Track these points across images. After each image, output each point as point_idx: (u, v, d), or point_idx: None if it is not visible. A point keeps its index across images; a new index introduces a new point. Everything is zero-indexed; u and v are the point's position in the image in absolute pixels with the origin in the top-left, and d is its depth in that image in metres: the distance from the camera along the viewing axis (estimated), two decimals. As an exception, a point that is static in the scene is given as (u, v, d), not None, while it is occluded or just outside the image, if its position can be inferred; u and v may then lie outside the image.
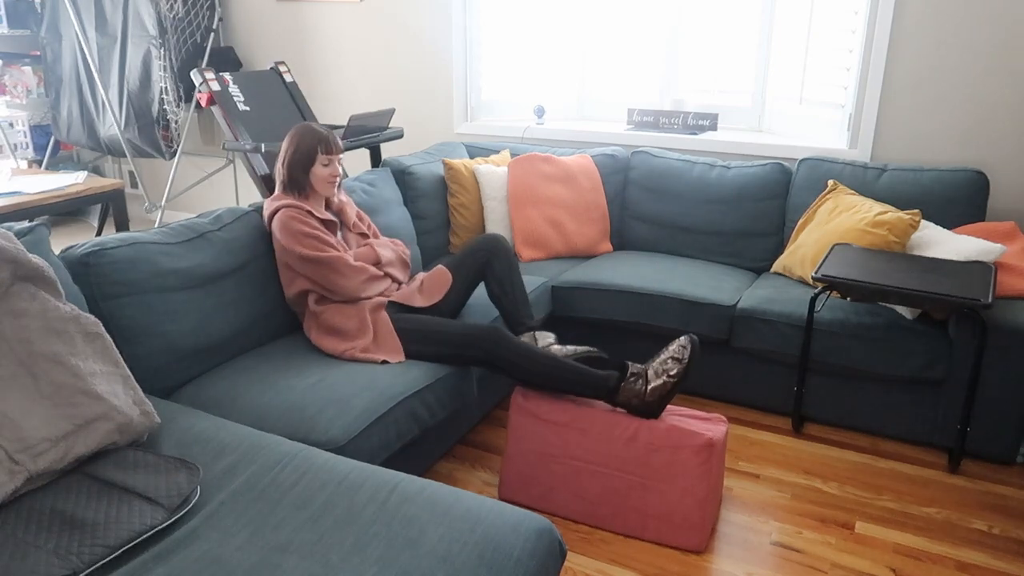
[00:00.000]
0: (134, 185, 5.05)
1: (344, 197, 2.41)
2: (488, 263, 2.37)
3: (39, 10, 4.28)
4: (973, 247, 2.36)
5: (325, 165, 2.22)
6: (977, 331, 2.21)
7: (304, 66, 4.15)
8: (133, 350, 1.87)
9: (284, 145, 2.24)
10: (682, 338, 1.99)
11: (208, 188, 4.75)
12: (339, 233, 2.33)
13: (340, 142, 2.27)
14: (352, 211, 2.41)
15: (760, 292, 2.61)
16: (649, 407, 1.95)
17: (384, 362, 2.08)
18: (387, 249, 2.38)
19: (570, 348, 2.22)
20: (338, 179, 2.26)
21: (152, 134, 3.99)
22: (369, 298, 2.21)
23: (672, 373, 1.93)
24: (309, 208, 2.20)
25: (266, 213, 2.24)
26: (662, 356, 1.99)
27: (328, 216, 2.24)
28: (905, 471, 2.33)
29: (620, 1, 3.51)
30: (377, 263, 2.30)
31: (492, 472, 2.32)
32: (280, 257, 2.20)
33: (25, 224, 1.75)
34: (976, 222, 2.65)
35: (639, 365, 2.00)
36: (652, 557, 1.93)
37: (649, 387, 1.94)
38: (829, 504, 2.16)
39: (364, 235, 2.41)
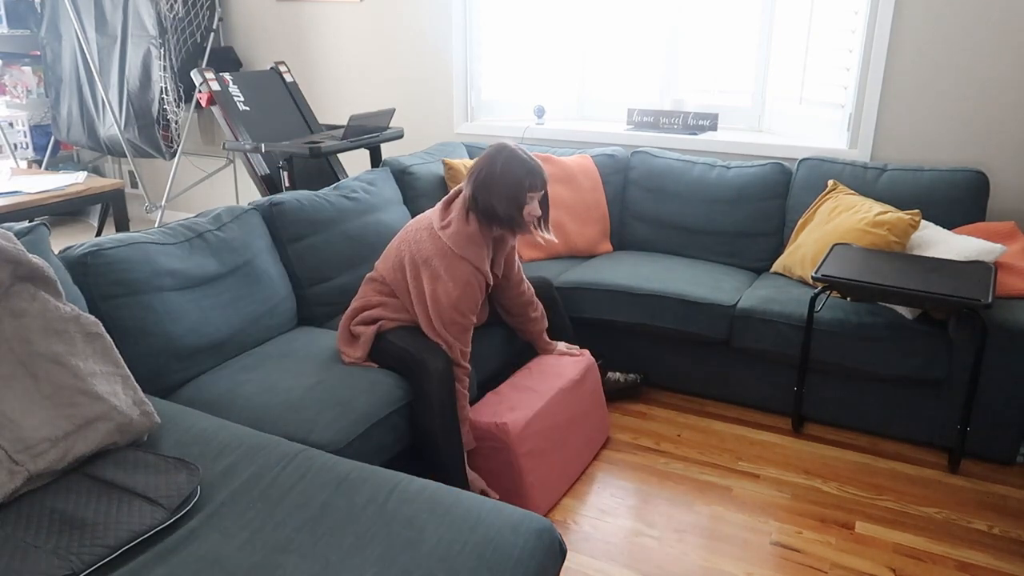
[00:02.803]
0: (134, 185, 5.05)
1: (504, 244, 2.15)
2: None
3: (39, 10, 4.27)
4: (973, 247, 2.35)
5: (527, 204, 1.93)
6: (977, 331, 2.21)
7: (304, 66, 4.15)
8: (133, 350, 1.87)
9: (483, 167, 1.95)
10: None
11: (208, 188, 4.75)
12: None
13: (545, 175, 1.98)
14: (502, 265, 2.17)
15: (760, 292, 2.61)
16: None
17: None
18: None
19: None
20: (536, 219, 1.97)
21: (152, 134, 3.99)
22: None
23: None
24: (482, 269, 1.97)
25: (439, 226, 1.99)
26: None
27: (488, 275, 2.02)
28: (905, 471, 2.33)
29: (620, 1, 3.51)
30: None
31: (492, 472, 2.32)
32: (419, 270, 2.00)
33: (25, 224, 1.75)
34: (976, 222, 2.65)
35: None
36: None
37: None
38: (829, 504, 2.16)
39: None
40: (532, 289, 2.33)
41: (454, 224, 1.98)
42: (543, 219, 2.09)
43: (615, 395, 2.72)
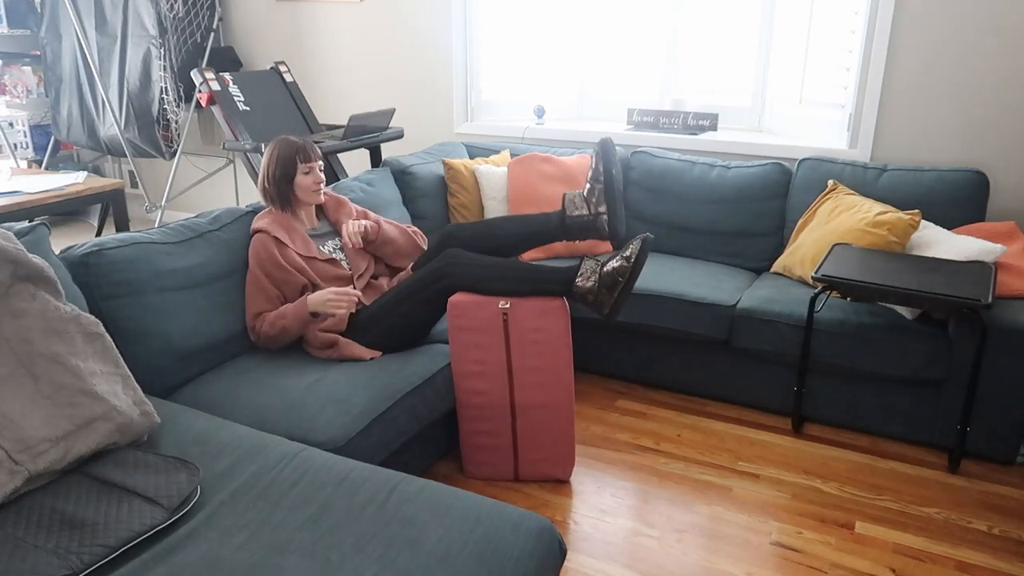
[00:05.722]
0: (134, 185, 5.05)
1: (340, 209, 2.37)
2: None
3: (39, 10, 4.28)
4: (973, 247, 2.36)
5: (306, 173, 2.23)
6: (977, 331, 2.21)
7: (304, 66, 4.15)
8: (133, 350, 1.87)
9: (263, 162, 2.26)
10: (635, 239, 2.06)
11: (208, 188, 4.76)
12: (328, 245, 2.31)
13: (318, 149, 2.29)
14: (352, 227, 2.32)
15: (760, 292, 2.61)
16: (601, 305, 2.06)
17: (373, 358, 2.11)
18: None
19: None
20: (321, 185, 2.27)
21: (152, 134, 3.99)
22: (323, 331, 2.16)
23: (621, 275, 2.03)
24: (285, 237, 2.18)
25: (252, 228, 2.25)
26: (613, 261, 2.06)
27: (310, 246, 2.22)
28: (905, 471, 2.33)
29: (620, 1, 3.51)
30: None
31: (492, 472, 2.32)
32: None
33: (25, 224, 1.75)
34: (976, 222, 2.65)
35: (592, 262, 2.09)
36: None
37: (600, 284, 2.04)
38: (829, 504, 2.16)
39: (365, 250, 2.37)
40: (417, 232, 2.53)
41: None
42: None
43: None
